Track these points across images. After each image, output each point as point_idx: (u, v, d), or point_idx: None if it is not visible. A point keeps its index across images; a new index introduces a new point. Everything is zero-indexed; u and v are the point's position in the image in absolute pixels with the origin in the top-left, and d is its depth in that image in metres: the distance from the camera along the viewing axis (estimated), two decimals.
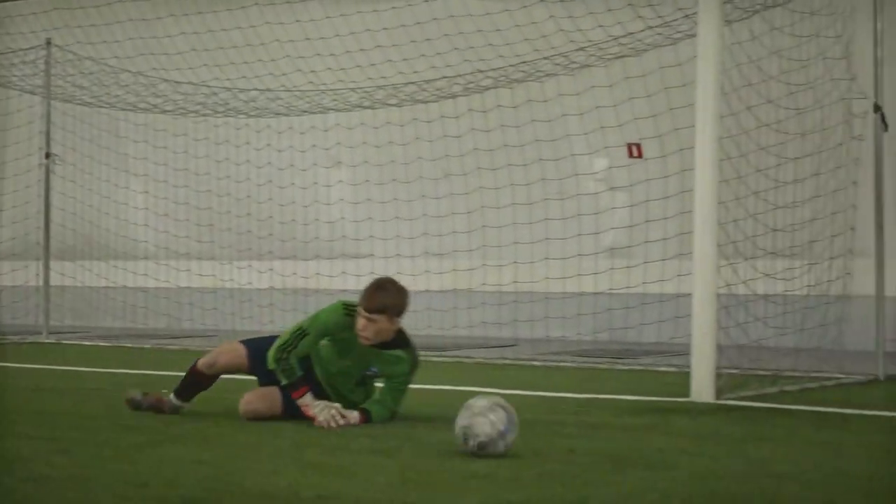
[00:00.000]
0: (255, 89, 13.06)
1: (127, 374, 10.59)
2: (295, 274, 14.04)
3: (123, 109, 14.92)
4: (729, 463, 5.97)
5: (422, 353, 7.41)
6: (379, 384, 7.39)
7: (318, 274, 13.81)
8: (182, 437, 6.60)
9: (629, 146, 13.30)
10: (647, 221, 12.02)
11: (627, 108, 12.03)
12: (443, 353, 12.14)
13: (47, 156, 15.07)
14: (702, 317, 8.53)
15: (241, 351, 7.37)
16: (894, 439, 7.12)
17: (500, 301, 13.31)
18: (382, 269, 13.58)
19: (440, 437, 6.45)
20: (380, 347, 7.14)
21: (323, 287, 13.86)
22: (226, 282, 15.08)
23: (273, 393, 7.28)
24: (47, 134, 14.98)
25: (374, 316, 6.97)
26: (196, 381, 7.48)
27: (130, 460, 5.81)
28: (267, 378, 7.29)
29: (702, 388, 8.53)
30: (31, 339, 14.49)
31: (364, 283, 7.06)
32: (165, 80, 13.51)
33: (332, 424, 6.96)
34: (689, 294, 8.54)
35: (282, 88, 12.89)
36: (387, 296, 7.03)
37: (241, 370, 7.41)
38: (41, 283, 15.21)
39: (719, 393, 8.56)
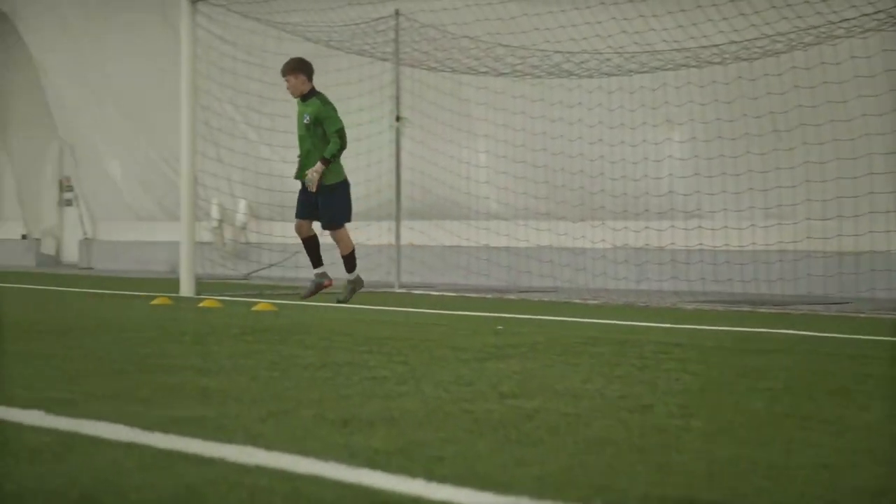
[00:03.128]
0: (585, 52, 13.61)
1: (464, 315, 11.39)
2: (626, 228, 14.39)
3: (465, 73, 15.61)
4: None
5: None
6: None
7: (647, 228, 14.15)
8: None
9: None
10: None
11: None
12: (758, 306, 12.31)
13: (398, 119, 16.00)
14: None
15: (303, 222, 12.85)
16: None
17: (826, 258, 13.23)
18: (710, 225, 13.89)
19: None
20: (303, 100, 12.48)
21: (653, 244, 14.24)
22: (561, 237, 15.48)
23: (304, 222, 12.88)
24: (397, 98, 15.95)
25: (286, 77, 12.53)
26: (309, 248, 12.87)
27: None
28: (311, 215, 12.80)
29: None
30: (383, 290, 15.43)
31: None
32: (501, 45, 14.17)
33: (314, 186, 12.40)
34: None
35: (608, 50, 13.39)
36: (285, 64, 12.60)
37: (306, 227, 12.85)
38: (394, 240, 16.20)
39: None
